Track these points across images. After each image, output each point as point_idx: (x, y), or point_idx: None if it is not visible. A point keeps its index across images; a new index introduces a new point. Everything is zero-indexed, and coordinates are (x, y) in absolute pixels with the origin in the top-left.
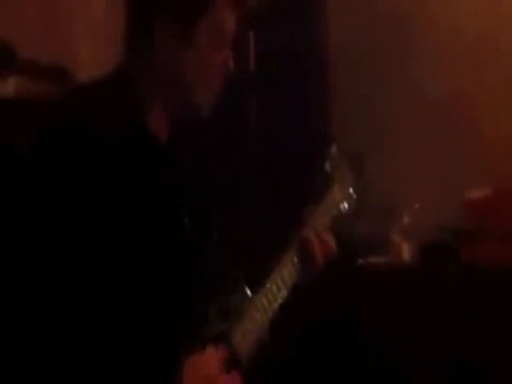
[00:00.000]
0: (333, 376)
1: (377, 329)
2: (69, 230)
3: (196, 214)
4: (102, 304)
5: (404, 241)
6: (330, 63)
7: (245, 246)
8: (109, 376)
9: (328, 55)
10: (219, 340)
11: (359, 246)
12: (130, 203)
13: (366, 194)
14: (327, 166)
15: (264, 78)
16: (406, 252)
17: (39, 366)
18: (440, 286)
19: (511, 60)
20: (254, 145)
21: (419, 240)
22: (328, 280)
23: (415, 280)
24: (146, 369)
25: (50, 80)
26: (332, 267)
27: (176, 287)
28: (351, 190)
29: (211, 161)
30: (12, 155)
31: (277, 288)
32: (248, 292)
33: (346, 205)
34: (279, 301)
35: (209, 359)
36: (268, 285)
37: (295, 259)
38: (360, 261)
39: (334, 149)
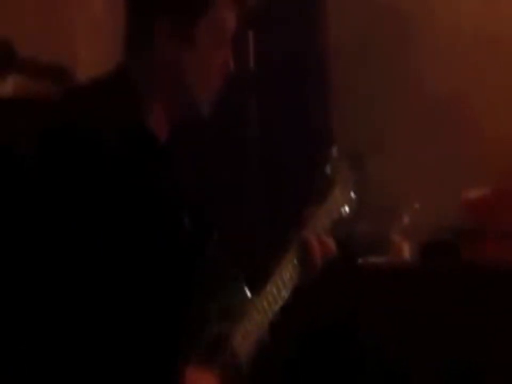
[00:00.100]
0: (333, 376)
1: (377, 329)
2: (68, 230)
3: (195, 214)
4: (101, 304)
5: (404, 241)
6: (330, 63)
7: (245, 246)
8: (109, 376)
9: (328, 55)
10: (219, 341)
11: (359, 246)
12: (130, 203)
13: (366, 194)
14: (328, 169)
15: (264, 77)
16: (406, 251)
17: (39, 366)
18: (440, 285)
19: (511, 60)
20: (254, 145)
21: (419, 240)
22: (328, 280)
23: (415, 279)
24: (145, 369)
25: (49, 79)
26: (332, 267)
27: (176, 287)
28: (352, 194)
29: (211, 161)
30: (11, 155)
31: (277, 290)
32: (248, 293)
33: (347, 209)
34: (280, 302)
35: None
36: (268, 287)
37: (295, 261)
38: (360, 261)
39: (334, 151)
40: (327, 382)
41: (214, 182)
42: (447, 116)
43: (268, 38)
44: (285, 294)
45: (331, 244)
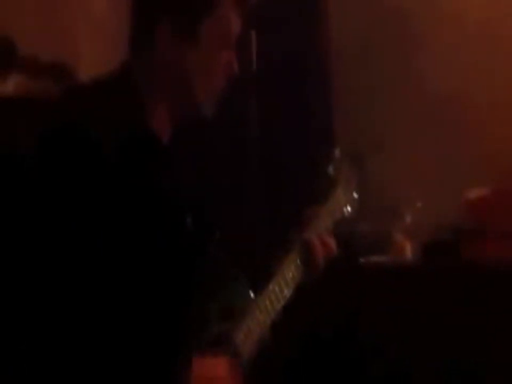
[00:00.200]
0: (334, 376)
1: (379, 328)
2: (69, 230)
3: (196, 214)
4: (102, 304)
5: (406, 240)
6: (331, 63)
7: (246, 246)
8: (109, 376)
9: (329, 55)
10: (220, 340)
11: (361, 246)
12: (132, 203)
13: (368, 193)
14: (331, 169)
15: (265, 78)
16: (408, 250)
17: (39, 366)
18: (441, 284)
19: None
20: (254, 145)
21: (420, 240)
22: (330, 279)
23: (417, 278)
24: (146, 369)
25: (50, 78)
26: (334, 267)
27: (177, 287)
28: (354, 194)
29: (212, 162)
30: (11, 154)
31: (280, 289)
32: (251, 293)
33: (349, 208)
34: (282, 302)
35: (218, 363)
36: (270, 286)
37: (298, 261)
38: (362, 260)
39: (337, 151)
40: (328, 381)
41: (215, 182)
42: (447, 116)
43: (268, 38)
44: (287, 293)
45: (332, 244)
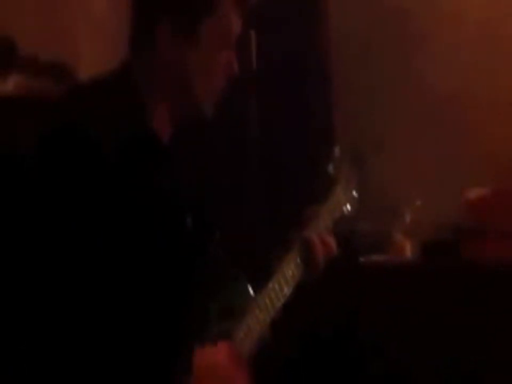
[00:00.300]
0: (333, 375)
1: (379, 327)
2: (69, 229)
3: (197, 214)
4: (102, 304)
5: (405, 239)
6: (331, 63)
7: (245, 246)
8: (109, 375)
9: (329, 55)
10: (220, 339)
11: (360, 245)
12: (132, 203)
13: (368, 193)
14: (330, 168)
15: (265, 77)
16: (408, 250)
17: (39, 366)
18: (441, 283)
19: None
20: (255, 145)
21: (420, 239)
22: (330, 278)
23: (417, 278)
24: (146, 368)
25: (51, 78)
26: (333, 266)
27: (177, 287)
28: (354, 193)
29: (212, 161)
30: (11, 154)
31: (280, 288)
32: (251, 291)
33: (349, 207)
34: (282, 300)
35: (219, 351)
36: (270, 285)
37: (298, 259)
38: (362, 259)
39: (337, 150)
40: (328, 381)
41: (215, 182)
42: (447, 115)
43: (268, 38)
44: (287, 291)
45: (332, 243)
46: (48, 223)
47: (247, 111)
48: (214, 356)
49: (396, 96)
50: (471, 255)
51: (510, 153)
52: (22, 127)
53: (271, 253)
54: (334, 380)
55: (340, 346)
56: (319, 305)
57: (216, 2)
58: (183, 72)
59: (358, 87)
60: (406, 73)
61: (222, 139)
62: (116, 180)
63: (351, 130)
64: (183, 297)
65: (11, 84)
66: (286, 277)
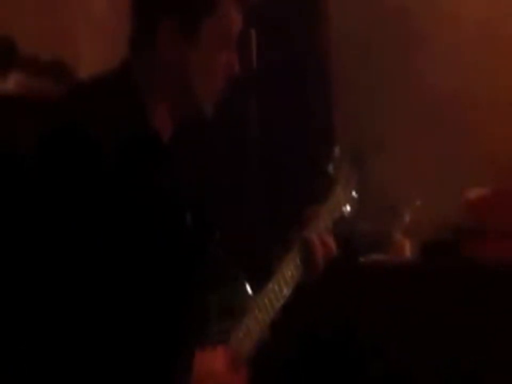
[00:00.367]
0: (333, 376)
1: (378, 327)
2: (69, 229)
3: (196, 213)
4: (102, 303)
5: (405, 239)
6: (331, 62)
7: (245, 246)
8: (109, 375)
9: (329, 55)
10: (220, 339)
11: (360, 244)
12: (132, 203)
13: (368, 193)
14: (330, 168)
15: (265, 77)
16: (407, 249)
17: (39, 366)
18: (441, 283)
19: None
20: (255, 145)
21: (420, 238)
22: (329, 279)
23: (416, 277)
24: (146, 368)
25: (51, 78)
26: (333, 266)
27: (177, 286)
28: (353, 193)
29: (212, 161)
30: (11, 154)
31: (279, 289)
32: (250, 292)
33: (348, 208)
34: (281, 301)
35: (217, 356)
36: (270, 285)
37: (298, 260)
38: (362, 259)
39: (336, 150)
40: (328, 381)
41: (215, 182)
42: (447, 115)
43: (269, 38)
44: (287, 292)
45: (332, 243)
46: (48, 222)
47: (247, 111)
48: (212, 362)
49: (396, 96)
50: (471, 255)
51: (510, 153)
52: (22, 126)
53: (271, 253)
54: (333, 381)
55: (340, 346)
56: (319, 306)
57: (216, 2)
58: (183, 72)
59: (358, 87)
60: (406, 73)
61: (222, 139)
62: (116, 180)
63: (351, 130)
64: (183, 297)
65: (11, 84)
66: (286, 278)
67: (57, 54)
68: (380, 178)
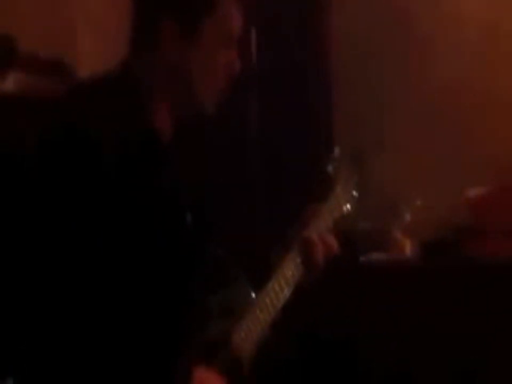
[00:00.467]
0: (333, 376)
1: (378, 327)
2: (69, 229)
3: (196, 213)
4: (103, 303)
5: (405, 238)
6: (331, 62)
7: (245, 246)
8: (110, 375)
9: (329, 54)
10: (220, 339)
11: (360, 244)
12: (132, 202)
13: (368, 192)
14: (330, 168)
15: (265, 76)
16: (407, 249)
17: (39, 366)
18: (441, 283)
19: None
20: (255, 145)
21: (420, 238)
22: (330, 278)
23: (416, 277)
24: (146, 368)
25: (51, 77)
26: (333, 265)
27: (177, 286)
28: (354, 192)
29: (213, 161)
30: (11, 153)
31: (280, 288)
32: (250, 291)
33: (349, 207)
34: (282, 301)
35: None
36: (270, 285)
37: (298, 259)
38: (362, 258)
39: (336, 150)
40: (328, 382)
41: (215, 182)
42: (447, 115)
43: (269, 37)
44: (287, 292)
45: (333, 242)
46: (48, 222)
47: (247, 111)
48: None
49: (396, 96)
50: (471, 255)
51: (510, 153)
52: (22, 126)
53: (271, 253)
54: (333, 381)
55: (340, 346)
56: (319, 305)
57: (217, 2)
58: (184, 72)
59: (358, 87)
60: (406, 73)
61: (222, 139)
62: (116, 180)
63: (351, 130)
64: (183, 297)
65: (11, 83)
66: (286, 277)
67: (57, 54)
68: (380, 178)
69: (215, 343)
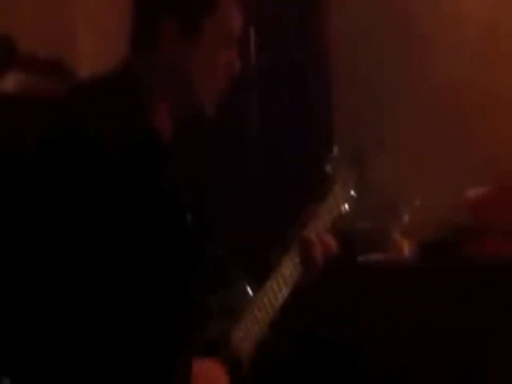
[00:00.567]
0: (331, 376)
1: (377, 327)
2: (69, 229)
3: (197, 213)
4: (102, 303)
5: (404, 238)
6: (331, 61)
7: (245, 246)
8: (110, 374)
9: (329, 54)
10: (219, 338)
11: (359, 244)
12: (132, 202)
13: (367, 192)
14: (329, 168)
15: (264, 76)
16: (406, 249)
17: (39, 366)
18: (440, 283)
19: None
20: (255, 145)
21: (419, 238)
22: (328, 278)
23: (415, 277)
24: (146, 368)
25: (51, 77)
26: (332, 265)
27: (177, 286)
28: (352, 192)
29: (213, 161)
30: (11, 153)
31: (278, 288)
32: (250, 291)
33: (347, 206)
34: (280, 300)
35: (215, 364)
36: (269, 284)
37: (297, 259)
38: (360, 258)
39: (335, 150)
40: (326, 382)
41: (215, 182)
42: (447, 115)
43: (268, 37)
44: (286, 291)
45: (332, 242)
46: (48, 222)
47: (247, 111)
48: (211, 368)
49: (396, 96)
50: (470, 255)
51: (510, 153)
52: (22, 126)
53: (271, 253)
54: (332, 380)
55: (338, 346)
56: (317, 305)
57: (217, 2)
58: (184, 72)
59: (358, 87)
60: (406, 73)
61: (222, 139)
62: (116, 180)
63: (351, 130)
64: (183, 297)
65: (11, 83)
66: (285, 277)
67: (57, 54)
68: (379, 178)
69: (215, 343)
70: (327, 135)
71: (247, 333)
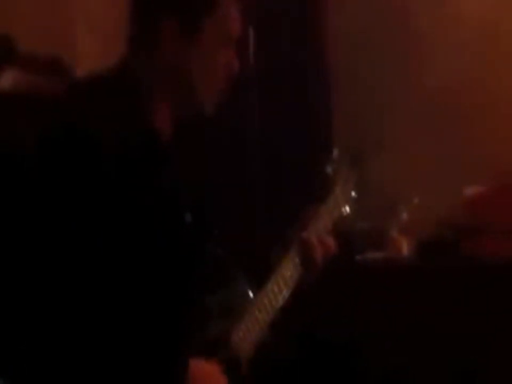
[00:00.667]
0: (331, 376)
1: (376, 326)
2: (69, 229)
3: (197, 213)
4: (102, 302)
5: (403, 237)
6: (331, 62)
7: (245, 246)
8: (110, 374)
9: (328, 54)
10: (219, 339)
11: (357, 243)
12: (132, 202)
13: (366, 191)
14: (329, 169)
15: (264, 77)
16: (405, 248)
17: (39, 366)
18: (439, 282)
19: None
20: (255, 145)
21: (418, 237)
22: (327, 277)
23: (413, 276)
24: (145, 368)
25: (50, 75)
26: (331, 264)
27: (177, 286)
28: (353, 193)
29: (213, 161)
30: (10, 153)
31: (278, 289)
32: (250, 292)
33: (347, 208)
34: (280, 301)
35: (212, 365)
36: (269, 285)
37: (297, 260)
38: (359, 257)
39: (335, 151)
40: (326, 381)
41: (215, 182)
42: (447, 115)
43: (268, 37)
44: (286, 292)
45: (332, 243)
46: (48, 222)
47: (247, 111)
48: (208, 368)
49: (396, 96)
50: (470, 254)
51: (510, 153)
52: (21, 126)
53: (271, 253)
54: (331, 380)
55: (337, 346)
56: (316, 305)
57: (217, 2)
58: (184, 72)
59: (358, 87)
60: (406, 72)
61: (222, 139)
62: (116, 179)
63: (351, 130)
64: (183, 297)
65: (10, 82)
66: (285, 278)
67: (56, 53)
68: (379, 178)
69: (215, 343)
70: (326, 134)
71: (247, 333)
